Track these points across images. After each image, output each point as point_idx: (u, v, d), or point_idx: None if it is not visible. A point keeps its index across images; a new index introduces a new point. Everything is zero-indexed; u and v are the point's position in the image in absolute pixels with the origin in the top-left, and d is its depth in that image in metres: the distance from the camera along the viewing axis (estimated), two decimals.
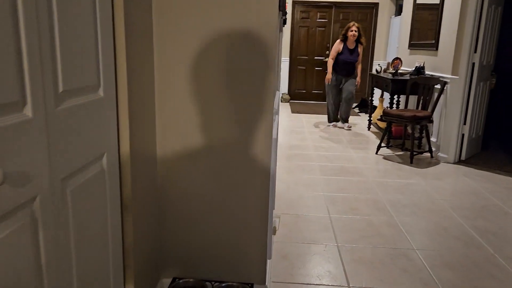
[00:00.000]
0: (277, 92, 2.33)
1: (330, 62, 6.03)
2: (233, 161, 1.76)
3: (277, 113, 1.99)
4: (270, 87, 1.67)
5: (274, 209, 2.64)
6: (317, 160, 4.42)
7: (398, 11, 8.14)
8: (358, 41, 5.90)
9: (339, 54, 5.93)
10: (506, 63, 5.53)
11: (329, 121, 6.38)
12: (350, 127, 6.14)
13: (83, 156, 1.18)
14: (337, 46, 5.96)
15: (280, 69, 5.00)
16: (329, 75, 6.03)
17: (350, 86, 6.01)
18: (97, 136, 1.26)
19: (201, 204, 1.83)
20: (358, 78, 6.02)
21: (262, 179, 1.77)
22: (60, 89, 1.05)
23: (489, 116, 4.87)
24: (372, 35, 8.57)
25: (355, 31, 5.83)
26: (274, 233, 2.37)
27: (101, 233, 1.33)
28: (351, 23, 5.92)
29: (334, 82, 6.08)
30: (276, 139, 1.83)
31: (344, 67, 5.96)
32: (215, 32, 1.64)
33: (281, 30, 2.39)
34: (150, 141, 1.71)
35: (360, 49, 5.97)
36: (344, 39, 5.92)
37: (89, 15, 1.18)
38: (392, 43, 8.04)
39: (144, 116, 1.61)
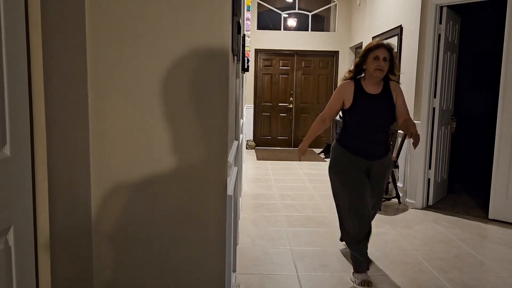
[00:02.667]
0: (235, 142, 2.15)
1: (317, 123, 2.76)
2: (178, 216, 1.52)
3: (232, 166, 1.79)
4: (225, 129, 1.48)
5: (235, 271, 2.37)
6: (283, 210, 4.20)
7: None
8: (387, 78, 2.61)
9: (348, 110, 2.61)
10: (464, 107, 5.66)
11: (359, 269, 2.63)
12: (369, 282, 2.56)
13: None
14: (343, 92, 2.62)
15: (243, 116, 4.87)
16: (303, 147, 2.81)
17: (382, 184, 2.77)
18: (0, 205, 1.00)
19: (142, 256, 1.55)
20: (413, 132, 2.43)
21: (217, 242, 1.53)
22: None
23: (452, 160, 4.87)
24: (334, 82, 8.72)
25: (385, 58, 2.51)
26: None
27: None
28: (374, 42, 2.59)
29: (348, 173, 2.63)
30: (232, 196, 1.62)
31: (366, 137, 2.60)
32: (156, 57, 1.45)
33: (238, 77, 2.24)
34: (81, 198, 1.45)
35: (395, 92, 2.63)
36: (356, 76, 2.66)
37: None
38: None
39: (72, 169, 1.36)
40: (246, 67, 4.81)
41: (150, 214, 1.52)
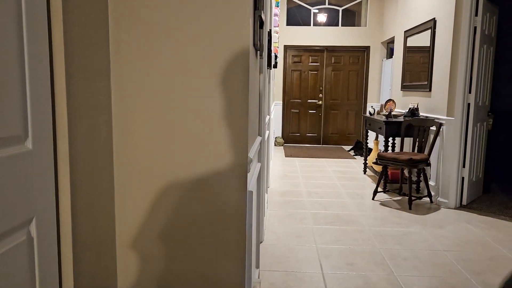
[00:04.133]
0: (258, 137, 2.13)
1: None
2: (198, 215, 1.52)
3: (253, 161, 1.77)
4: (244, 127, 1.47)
5: (258, 267, 2.36)
6: (310, 208, 4.16)
7: (389, 54, 8.17)
8: None
9: None
10: (502, 103, 5.42)
11: None
12: None
13: None
14: None
15: (270, 112, 4.85)
16: None
17: None
18: (21, 198, 1.03)
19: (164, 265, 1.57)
20: None
21: (236, 240, 1.52)
22: None
23: (488, 158, 4.67)
24: (365, 78, 8.56)
25: None
26: None
27: None
28: None
29: None
30: (253, 192, 1.60)
31: None
32: (178, 59, 1.46)
33: (261, 72, 2.23)
34: (104, 193, 1.48)
35: None
36: None
37: (12, 47, 0.99)
38: (385, 85, 8.00)
39: (94, 163, 1.39)
40: (274, 63, 4.78)
41: (172, 211, 1.53)
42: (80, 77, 1.26)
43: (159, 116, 1.49)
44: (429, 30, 4.74)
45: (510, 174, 5.53)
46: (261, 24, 1.80)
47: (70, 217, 1.22)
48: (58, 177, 1.20)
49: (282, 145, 8.64)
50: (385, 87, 8.02)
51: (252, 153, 1.67)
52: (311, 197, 4.57)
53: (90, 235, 1.36)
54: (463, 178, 4.24)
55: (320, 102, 8.69)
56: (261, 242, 3.15)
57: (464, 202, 4.26)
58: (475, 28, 4.04)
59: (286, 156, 7.35)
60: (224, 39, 1.42)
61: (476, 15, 4.01)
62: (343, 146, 8.68)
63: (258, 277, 2.46)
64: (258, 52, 1.91)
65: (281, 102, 8.71)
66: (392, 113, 5.10)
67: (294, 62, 8.66)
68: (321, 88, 8.68)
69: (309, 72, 8.68)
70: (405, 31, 5.70)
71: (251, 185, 1.61)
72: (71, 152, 1.21)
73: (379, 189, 4.66)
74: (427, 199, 4.46)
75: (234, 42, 1.42)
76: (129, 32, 1.45)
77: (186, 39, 1.44)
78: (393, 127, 4.81)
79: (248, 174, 1.53)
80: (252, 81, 1.59)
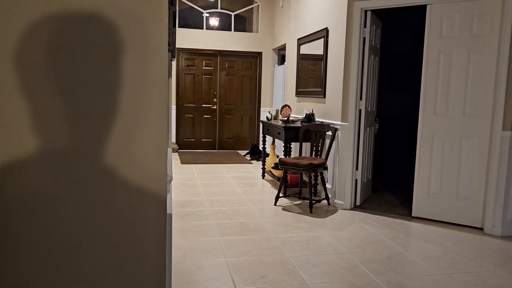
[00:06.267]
0: (169, 149, 1.89)
1: None
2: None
3: (171, 179, 1.54)
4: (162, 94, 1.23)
5: None
6: (214, 218, 3.98)
7: (281, 60, 8.43)
8: None
9: None
10: (384, 109, 5.93)
11: None
12: None
13: None
14: None
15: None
16: None
17: None
18: None
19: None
20: None
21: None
22: None
23: (375, 159, 5.04)
24: (258, 83, 8.69)
25: None
26: None
27: None
28: None
29: None
30: (171, 215, 1.38)
31: None
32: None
33: (170, 76, 1.99)
34: None
35: None
36: None
37: None
38: (277, 90, 8.22)
39: None
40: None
41: (71, 238, 1.22)
42: None
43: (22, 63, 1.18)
44: (322, 39, 4.95)
45: (392, 174, 6.08)
46: (174, 22, 1.58)
47: None
48: None
49: (177, 151, 8.32)
50: (277, 93, 8.23)
51: (169, 169, 1.44)
52: (213, 206, 4.40)
53: None
54: (356, 180, 4.48)
55: (215, 107, 8.58)
56: None
57: (358, 202, 4.51)
58: (364, 39, 4.30)
59: (182, 163, 7.06)
60: (138, 35, 1.17)
61: (365, 26, 4.28)
62: (238, 151, 8.69)
63: None
64: (171, 53, 1.68)
65: (175, 106, 8.39)
66: (290, 118, 5.20)
67: (188, 65, 8.41)
68: (215, 92, 8.58)
69: (203, 76, 8.51)
70: (298, 39, 5.88)
71: (169, 206, 1.38)
72: None
73: (280, 194, 4.69)
74: (325, 201, 4.63)
75: (149, 41, 1.19)
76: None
77: (85, 30, 1.16)
78: (291, 132, 4.90)
79: (167, 195, 1.30)
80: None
